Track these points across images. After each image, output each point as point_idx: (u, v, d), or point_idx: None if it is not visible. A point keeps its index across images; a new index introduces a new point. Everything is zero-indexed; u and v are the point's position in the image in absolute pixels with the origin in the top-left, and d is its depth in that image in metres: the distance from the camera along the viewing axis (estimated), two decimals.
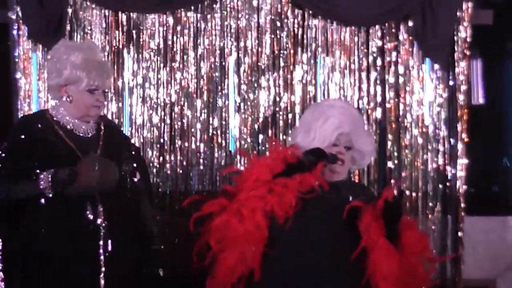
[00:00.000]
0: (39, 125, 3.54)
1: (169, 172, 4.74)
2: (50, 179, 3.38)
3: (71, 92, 3.56)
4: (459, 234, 4.56)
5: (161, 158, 4.74)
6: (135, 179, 3.73)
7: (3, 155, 3.49)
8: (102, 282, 3.48)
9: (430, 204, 4.65)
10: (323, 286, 3.33)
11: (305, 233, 3.41)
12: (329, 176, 3.63)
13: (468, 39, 4.68)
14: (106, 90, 3.65)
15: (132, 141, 4.58)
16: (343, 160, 3.61)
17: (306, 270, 3.35)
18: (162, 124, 4.75)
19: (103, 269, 3.48)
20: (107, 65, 3.76)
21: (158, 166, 4.74)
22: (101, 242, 3.48)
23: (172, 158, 4.74)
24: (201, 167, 4.73)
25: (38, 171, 3.43)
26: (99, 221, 3.49)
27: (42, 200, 3.44)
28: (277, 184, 3.40)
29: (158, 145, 4.75)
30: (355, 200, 3.42)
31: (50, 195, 3.41)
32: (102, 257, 3.48)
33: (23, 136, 3.49)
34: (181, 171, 4.73)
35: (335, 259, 3.35)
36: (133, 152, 3.80)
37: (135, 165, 3.74)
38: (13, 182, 3.44)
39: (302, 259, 3.37)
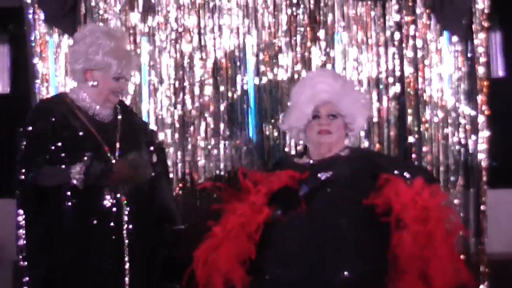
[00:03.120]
0: (60, 109, 3.55)
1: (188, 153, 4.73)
2: (84, 171, 3.39)
3: (97, 77, 3.57)
4: (482, 207, 4.54)
5: (180, 140, 4.73)
6: (153, 161, 3.76)
7: (26, 139, 3.49)
8: (127, 265, 3.51)
9: (452, 178, 4.61)
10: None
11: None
12: (325, 150, 3.59)
13: (486, 10, 4.62)
14: (128, 78, 3.70)
15: (152, 122, 4.59)
16: (327, 130, 3.56)
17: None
18: (181, 105, 4.73)
19: (126, 251, 3.50)
20: (132, 54, 3.80)
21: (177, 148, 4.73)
22: (124, 226, 3.50)
23: (192, 139, 4.72)
24: (221, 149, 4.72)
25: (63, 155, 3.44)
26: (121, 204, 3.51)
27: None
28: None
29: (178, 127, 4.73)
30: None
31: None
32: (126, 240, 3.51)
33: (44, 120, 3.50)
34: (200, 153, 4.71)
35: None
36: (150, 135, 3.83)
37: (152, 148, 3.75)
38: (38, 168, 3.45)
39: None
